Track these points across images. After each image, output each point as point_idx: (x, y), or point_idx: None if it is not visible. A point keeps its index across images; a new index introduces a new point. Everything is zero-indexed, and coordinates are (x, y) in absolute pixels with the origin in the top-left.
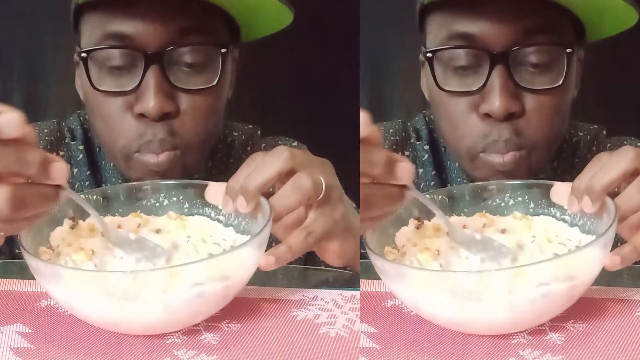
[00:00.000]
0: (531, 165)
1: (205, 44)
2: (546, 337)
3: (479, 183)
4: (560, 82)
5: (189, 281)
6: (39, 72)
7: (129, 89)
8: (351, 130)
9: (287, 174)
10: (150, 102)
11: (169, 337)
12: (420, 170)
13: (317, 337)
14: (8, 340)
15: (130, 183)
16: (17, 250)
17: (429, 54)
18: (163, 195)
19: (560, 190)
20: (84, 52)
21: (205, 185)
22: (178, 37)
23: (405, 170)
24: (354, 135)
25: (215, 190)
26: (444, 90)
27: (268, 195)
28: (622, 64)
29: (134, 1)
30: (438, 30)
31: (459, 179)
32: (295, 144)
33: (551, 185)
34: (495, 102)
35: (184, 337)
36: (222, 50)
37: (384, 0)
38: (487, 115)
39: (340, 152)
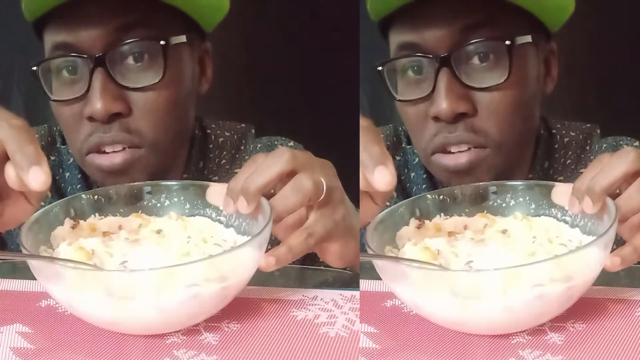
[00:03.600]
0: (493, 163)
1: (143, 39)
2: (546, 337)
3: (480, 184)
4: (505, 78)
5: (185, 282)
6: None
7: (80, 95)
8: (350, 130)
9: (288, 175)
10: (97, 104)
11: (168, 337)
12: (412, 174)
13: (317, 337)
14: (8, 340)
15: (131, 184)
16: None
17: (379, 68)
18: (164, 196)
19: (561, 191)
20: (34, 65)
21: (207, 186)
22: (117, 36)
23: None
24: (353, 136)
25: (216, 191)
26: (397, 100)
27: (269, 196)
28: (618, 62)
29: (73, 9)
30: (392, 43)
31: None
32: (291, 143)
33: (552, 186)
34: (442, 104)
35: (184, 337)
36: (162, 42)
37: None
38: (438, 119)
39: (339, 152)
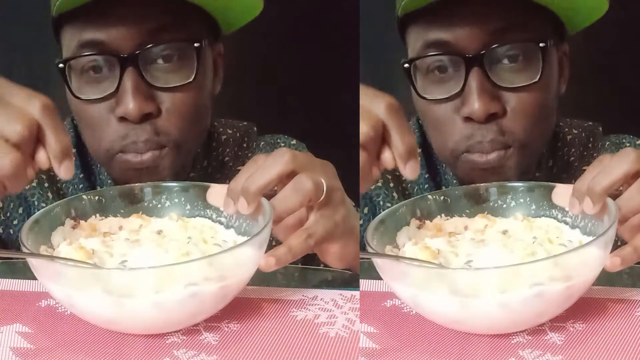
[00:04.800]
0: (519, 162)
1: (177, 41)
2: (546, 337)
3: (481, 184)
4: (537, 78)
5: (183, 281)
6: (39, 73)
7: (108, 93)
8: (350, 130)
9: (288, 176)
10: (130, 104)
11: (168, 337)
12: None
13: (317, 337)
14: (8, 340)
15: (132, 184)
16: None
17: (406, 65)
18: (165, 196)
19: (561, 192)
20: (61, 62)
21: (207, 187)
22: (150, 36)
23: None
24: (354, 135)
25: (216, 192)
26: (424, 98)
27: (270, 196)
28: (619, 61)
29: (104, 7)
30: (415, 40)
31: (454, 181)
32: (294, 142)
33: (553, 187)
34: (474, 104)
35: (184, 337)
36: (196, 45)
37: (384, 0)
38: (469, 119)
39: (339, 152)
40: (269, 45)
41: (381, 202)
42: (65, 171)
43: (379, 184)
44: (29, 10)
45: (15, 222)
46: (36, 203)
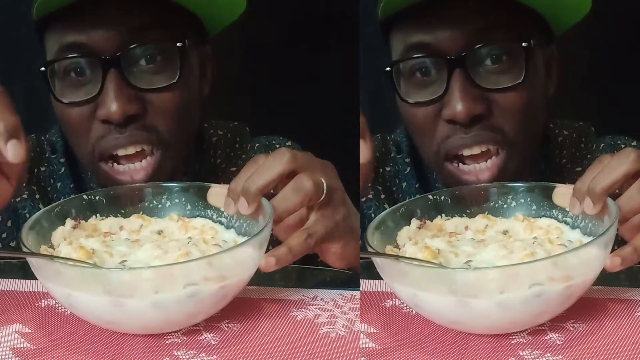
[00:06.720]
0: (505, 165)
1: (159, 41)
2: (546, 337)
3: (482, 185)
4: (521, 79)
5: (183, 281)
6: (39, 75)
7: (91, 96)
8: (349, 131)
9: (288, 176)
10: (112, 106)
11: (168, 337)
12: (404, 184)
13: (317, 337)
14: (8, 340)
15: (132, 185)
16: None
17: (387, 69)
18: (165, 197)
19: (562, 192)
20: (43, 66)
21: (207, 188)
22: (132, 37)
23: None
24: (353, 136)
25: (217, 193)
26: (407, 102)
27: (270, 196)
28: (613, 62)
29: (85, 9)
30: (398, 44)
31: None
32: (289, 143)
33: (553, 187)
34: (457, 106)
35: (184, 337)
36: (178, 44)
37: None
38: (452, 121)
39: (339, 152)
40: (267, 45)
41: (372, 215)
42: (12, 151)
43: (370, 196)
44: (16, 15)
45: (4, 235)
46: (27, 216)
